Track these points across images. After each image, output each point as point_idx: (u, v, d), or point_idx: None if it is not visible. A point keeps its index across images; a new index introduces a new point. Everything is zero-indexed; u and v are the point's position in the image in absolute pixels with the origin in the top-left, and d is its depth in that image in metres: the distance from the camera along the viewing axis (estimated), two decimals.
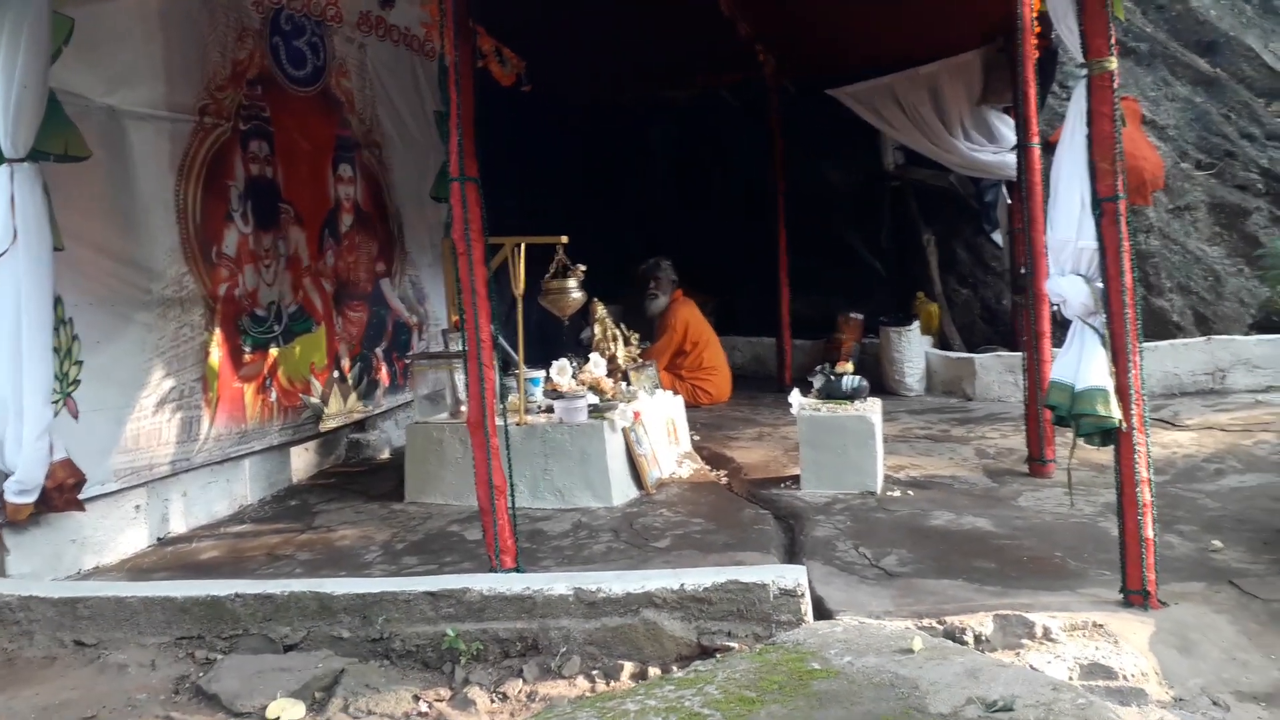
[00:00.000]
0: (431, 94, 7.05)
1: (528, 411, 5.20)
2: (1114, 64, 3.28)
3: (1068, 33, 3.42)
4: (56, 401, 4.12)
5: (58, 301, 4.12)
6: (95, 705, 3.11)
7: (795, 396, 5.14)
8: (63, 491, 4.10)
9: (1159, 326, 7.59)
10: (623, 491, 5.01)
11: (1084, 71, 3.35)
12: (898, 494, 4.89)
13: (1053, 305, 4.36)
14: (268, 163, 5.53)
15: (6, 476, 3.95)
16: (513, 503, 3.86)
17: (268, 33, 5.54)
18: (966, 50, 6.95)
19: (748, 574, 3.26)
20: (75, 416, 4.27)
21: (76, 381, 4.29)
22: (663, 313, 7.83)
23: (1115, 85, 3.29)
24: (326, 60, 6.08)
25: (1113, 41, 3.29)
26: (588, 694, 3.02)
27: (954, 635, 3.11)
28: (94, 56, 4.35)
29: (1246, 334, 7.55)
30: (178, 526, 4.87)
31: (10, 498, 3.95)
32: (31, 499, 3.98)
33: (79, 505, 4.18)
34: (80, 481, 4.17)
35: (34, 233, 3.91)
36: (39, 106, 3.93)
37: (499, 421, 3.81)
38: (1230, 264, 7.99)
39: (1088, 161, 3.32)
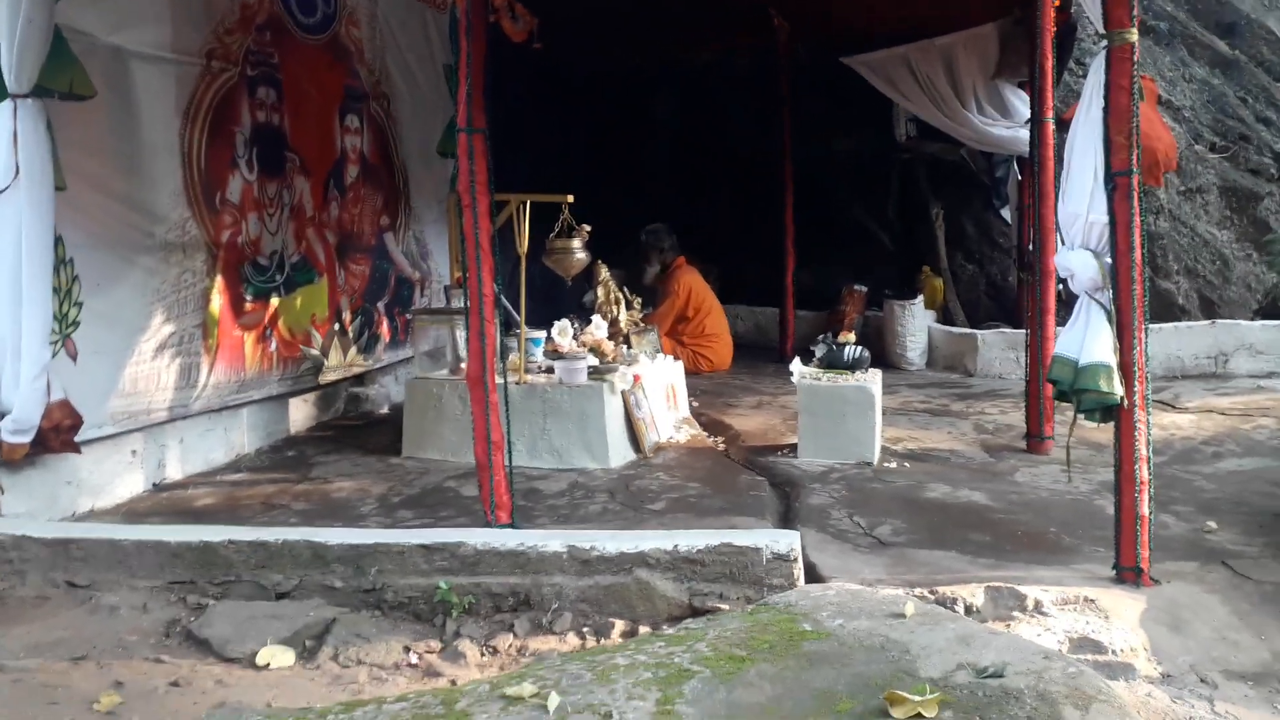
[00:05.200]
0: (442, 48, 6.97)
1: (528, 371, 5.19)
2: (1135, 36, 3.23)
3: (1089, 2, 3.36)
4: (55, 342, 4.10)
5: (59, 241, 4.08)
6: (86, 645, 3.12)
7: (796, 365, 5.12)
8: (59, 433, 4.08)
9: (1164, 309, 7.54)
10: (620, 454, 5.00)
11: (1103, 44, 3.29)
12: (894, 465, 4.88)
13: (1059, 281, 4.33)
14: (274, 110, 5.47)
15: (2, 416, 3.93)
16: (510, 460, 3.85)
17: None
18: (984, 21, 6.86)
19: (741, 537, 3.26)
20: (74, 358, 4.25)
21: (76, 323, 4.26)
22: (666, 278, 7.79)
23: (1135, 58, 3.24)
24: (336, 8, 6.00)
25: (1134, 13, 3.23)
26: (578, 649, 3.03)
27: (946, 605, 3.12)
28: None
29: (1252, 319, 7.52)
30: (174, 473, 4.87)
31: (6, 437, 3.92)
32: (27, 439, 3.96)
33: (74, 447, 4.16)
34: (77, 424, 4.15)
35: (36, 170, 3.86)
36: (44, 41, 3.86)
37: (499, 379, 3.80)
38: (1239, 249, 7.94)
39: (1103, 135, 3.27)
